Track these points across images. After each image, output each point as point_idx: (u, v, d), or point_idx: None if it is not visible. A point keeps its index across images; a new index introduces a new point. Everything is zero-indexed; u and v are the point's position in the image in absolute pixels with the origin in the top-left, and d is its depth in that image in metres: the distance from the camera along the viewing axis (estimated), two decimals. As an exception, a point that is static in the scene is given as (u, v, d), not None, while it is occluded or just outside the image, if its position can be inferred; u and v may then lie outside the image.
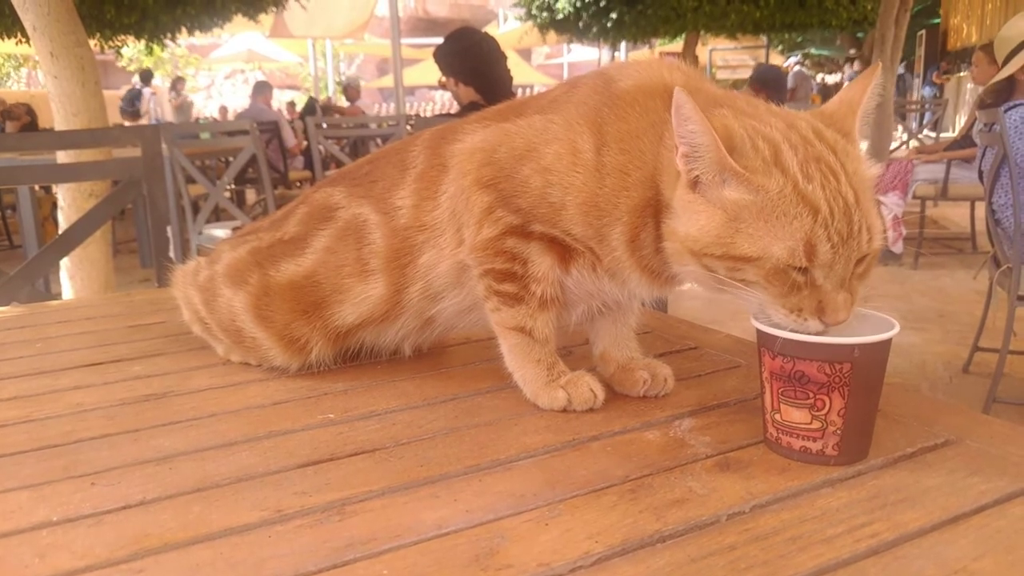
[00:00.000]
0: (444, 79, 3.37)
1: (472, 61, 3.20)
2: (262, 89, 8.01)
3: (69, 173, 2.50)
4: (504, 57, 3.30)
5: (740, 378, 0.86)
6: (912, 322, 4.36)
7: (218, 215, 5.41)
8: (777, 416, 0.66)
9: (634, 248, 0.71)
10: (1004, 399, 3.03)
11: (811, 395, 0.64)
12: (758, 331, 0.66)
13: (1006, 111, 3.10)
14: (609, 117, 0.72)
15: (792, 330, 0.64)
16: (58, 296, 3.46)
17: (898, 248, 5.52)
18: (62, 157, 3.03)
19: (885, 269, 5.50)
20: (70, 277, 3.57)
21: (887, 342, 0.64)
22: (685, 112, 0.62)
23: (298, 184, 7.67)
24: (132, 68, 16.21)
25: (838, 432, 0.64)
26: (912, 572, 0.51)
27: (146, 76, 12.76)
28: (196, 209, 4.50)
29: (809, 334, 0.63)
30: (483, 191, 0.77)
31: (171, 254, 3.08)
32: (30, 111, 8.18)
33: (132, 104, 11.52)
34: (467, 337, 1.02)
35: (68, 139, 2.38)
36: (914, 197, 5.42)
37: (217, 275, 0.94)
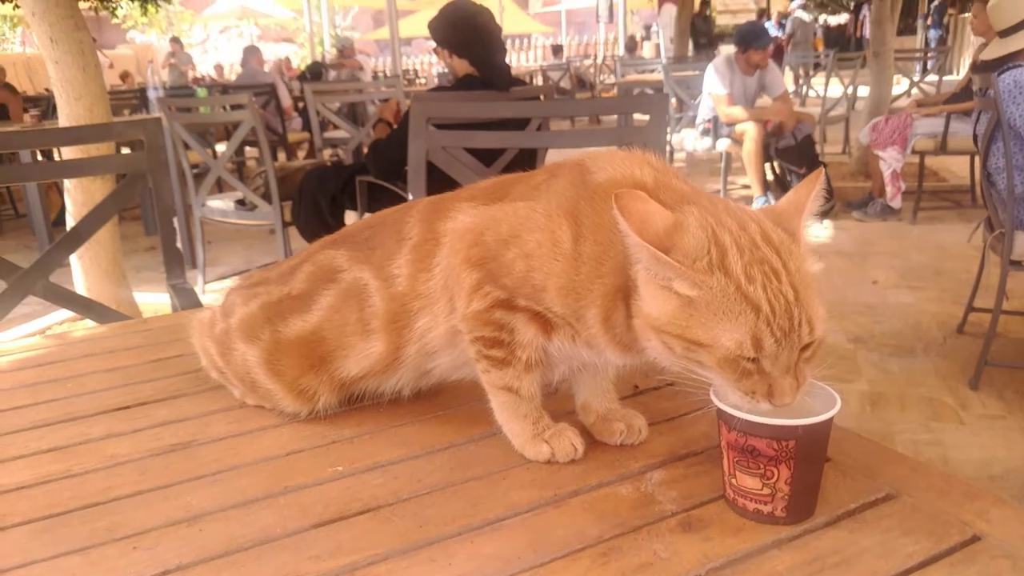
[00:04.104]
0: (438, 50, 3.40)
1: (466, 33, 3.24)
2: (252, 52, 8.06)
3: (74, 169, 2.57)
4: (499, 29, 3.33)
5: (710, 422, 0.94)
6: (909, 280, 4.43)
7: (220, 186, 5.46)
8: (733, 480, 0.75)
9: (607, 327, 0.79)
10: (995, 362, 3.12)
11: (761, 466, 0.73)
12: (717, 408, 0.75)
13: (999, 75, 3.11)
14: (585, 210, 0.79)
15: (745, 410, 0.72)
16: (67, 268, 3.54)
17: (896, 204, 5.55)
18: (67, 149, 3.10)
19: (884, 225, 5.54)
20: (79, 257, 3.66)
21: (828, 421, 0.72)
22: (623, 228, 0.71)
23: (298, 146, 7.69)
24: (127, 26, 16.02)
25: (786, 497, 0.73)
26: (835, 641, 0.60)
27: None
28: (199, 176, 4.55)
29: (760, 414, 0.72)
30: (472, 269, 0.84)
31: (178, 243, 3.15)
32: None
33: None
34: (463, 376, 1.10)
35: (72, 135, 2.43)
36: (913, 152, 5.42)
37: (232, 329, 1.02)
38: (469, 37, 3.24)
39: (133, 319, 1.62)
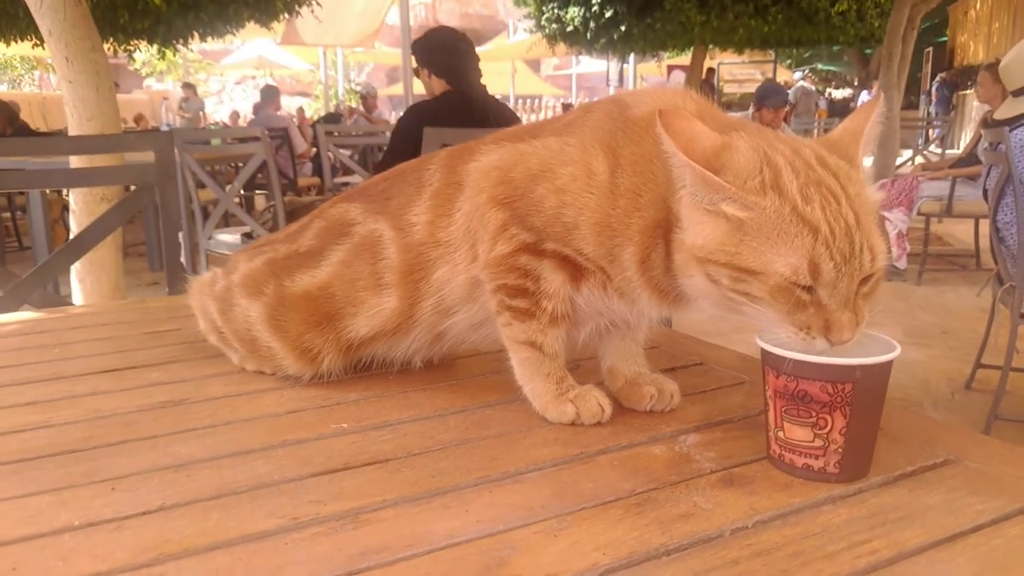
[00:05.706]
0: (419, 69, 3.49)
1: (447, 57, 3.36)
2: (270, 95, 8.05)
3: (83, 178, 2.53)
4: (477, 59, 3.44)
5: (745, 395, 0.88)
6: (915, 338, 4.37)
7: (227, 221, 5.44)
8: (780, 434, 0.68)
9: (645, 268, 0.73)
10: (1006, 416, 3.04)
11: (813, 414, 0.66)
12: (763, 350, 0.68)
13: (1011, 130, 3.11)
14: (623, 141, 0.74)
15: (798, 349, 0.65)
16: (68, 298, 3.50)
17: (902, 264, 5.53)
18: (75, 161, 3.07)
19: (889, 285, 5.50)
20: (80, 280, 3.60)
21: (888, 364, 0.65)
22: (668, 147, 0.66)
23: (308, 190, 7.71)
24: (144, 72, 16.34)
25: (839, 450, 0.66)
26: (910, 589, 0.52)
27: None
28: (206, 214, 4.53)
29: (815, 353, 0.65)
30: (498, 209, 0.79)
31: (182, 259, 3.10)
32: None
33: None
34: (476, 349, 1.04)
35: (82, 144, 2.41)
36: (919, 214, 5.43)
37: (234, 285, 0.96)
38: (448, 59, 3.35)
39: (130, 300, 1.56)
